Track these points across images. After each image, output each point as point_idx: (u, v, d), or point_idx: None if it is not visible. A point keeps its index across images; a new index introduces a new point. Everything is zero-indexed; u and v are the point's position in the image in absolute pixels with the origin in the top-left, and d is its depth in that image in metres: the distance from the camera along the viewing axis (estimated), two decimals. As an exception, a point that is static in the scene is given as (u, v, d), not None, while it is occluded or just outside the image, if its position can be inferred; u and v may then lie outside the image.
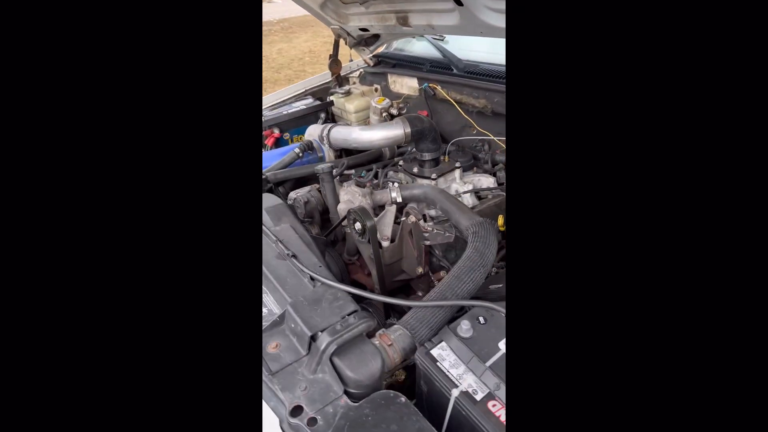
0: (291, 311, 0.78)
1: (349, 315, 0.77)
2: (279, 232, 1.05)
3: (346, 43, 2.06)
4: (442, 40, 1.85)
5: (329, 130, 1.56)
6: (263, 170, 1.55)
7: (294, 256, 0.94)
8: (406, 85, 1.88)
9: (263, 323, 0.82)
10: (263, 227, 1.05)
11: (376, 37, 2.00)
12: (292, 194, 1.49)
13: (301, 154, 1.59)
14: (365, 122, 2.00)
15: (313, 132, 1.71)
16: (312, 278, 0.87)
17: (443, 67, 1.71)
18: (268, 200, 1.20)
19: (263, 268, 0.92)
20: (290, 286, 0.86)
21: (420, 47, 2.03)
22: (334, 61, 2.09)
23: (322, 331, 0.73)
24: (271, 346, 0.77)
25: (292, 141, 1.92)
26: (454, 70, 1.66)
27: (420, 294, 1.22)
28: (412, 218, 1.10)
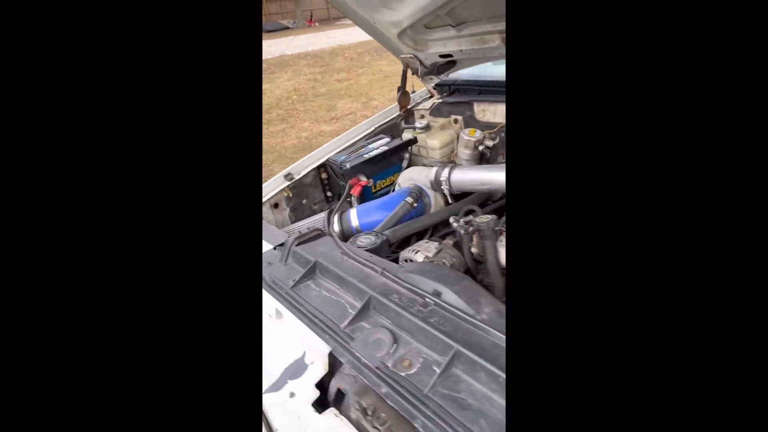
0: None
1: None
2: (491, 322, 0.76)
3: (414, 74, 1.83)
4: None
5: (449, 173, 1.29)
6: (375, 229, 1.26)
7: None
8: (500, 112, 1.65)
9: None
10: (476, 321, 0.76)
11: (451, 63, 1.78)
12: (409, 254, 1.20)
13: (414, 204, 1.32)
14: (449, 158, 1.76)
15: (414, 176, 1.45)
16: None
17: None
18: (444, 275, 0.91)
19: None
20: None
21: (480, 70, 1.83)
22: (404, 94, 1.85)
23: None
24: None
25: (375, 188, 1.64)
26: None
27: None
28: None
